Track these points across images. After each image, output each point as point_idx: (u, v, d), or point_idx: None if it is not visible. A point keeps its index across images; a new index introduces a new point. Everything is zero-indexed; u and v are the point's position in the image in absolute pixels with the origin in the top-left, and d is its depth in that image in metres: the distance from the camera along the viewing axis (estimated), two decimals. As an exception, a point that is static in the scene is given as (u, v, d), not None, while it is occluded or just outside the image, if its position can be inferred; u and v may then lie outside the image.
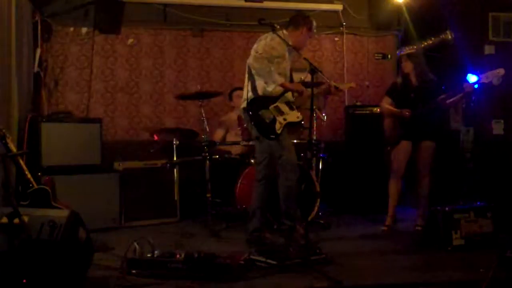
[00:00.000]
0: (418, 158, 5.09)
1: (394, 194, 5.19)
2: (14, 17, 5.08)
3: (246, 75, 4.62)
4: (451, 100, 4.92)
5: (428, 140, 5.06)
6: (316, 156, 5.56)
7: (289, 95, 4.59)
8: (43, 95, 6.11)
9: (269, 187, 4.55)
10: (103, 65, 6.46)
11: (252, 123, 4.44)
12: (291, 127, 4.53)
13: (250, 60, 4.48)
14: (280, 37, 4.37)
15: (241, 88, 6.20)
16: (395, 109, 5.12)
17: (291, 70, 4.73)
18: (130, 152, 6.05)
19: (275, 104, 4.50)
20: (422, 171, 5.07)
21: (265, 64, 4.34)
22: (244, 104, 4.56)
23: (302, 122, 5.45)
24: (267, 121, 4.41)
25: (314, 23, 4.72)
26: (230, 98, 6.30)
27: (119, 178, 5.37)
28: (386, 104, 5.25)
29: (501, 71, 4.70)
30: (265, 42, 4.46)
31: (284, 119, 4.45)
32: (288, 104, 4.57)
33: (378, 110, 6.08)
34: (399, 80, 5.25)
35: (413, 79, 5.09)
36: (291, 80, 4.74)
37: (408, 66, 5.08)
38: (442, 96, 4.93)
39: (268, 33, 4.49)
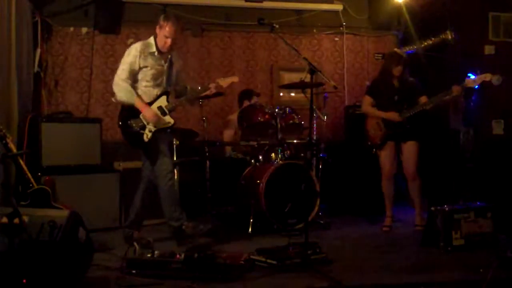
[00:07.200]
0: (404, 159, 5.09)
1: (389, 195, 5.20)
2: (14, 17, 5.08)
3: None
4: (439, 103, 4.92)
5: (412, 140, 5.06)
6: (316, 156, 5.55)
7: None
8: (43, 95, 6.11)
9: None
10: (103, 65, 6.45)
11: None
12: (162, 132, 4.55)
13: None
14: None
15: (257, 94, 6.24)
16: (383, 113, 5.08)
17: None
18: (130, 152, 6.03)
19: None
20: (411, 171, 5.06)
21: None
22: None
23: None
24: (136, 129, 4.48)
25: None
26: (248, 99, 6.08)
27: (119, 178, 5.37)
28: (368, 104, 5.22)
29: (487, 76, 4.70)
30: None
31: (155, 127, 4.47)
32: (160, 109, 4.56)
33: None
34: (379, 79, 5.23)
35: (396, 81, 5.08)
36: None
37: (399, 70, 5.06)
38: (426, 102, 4.93)
39: None
